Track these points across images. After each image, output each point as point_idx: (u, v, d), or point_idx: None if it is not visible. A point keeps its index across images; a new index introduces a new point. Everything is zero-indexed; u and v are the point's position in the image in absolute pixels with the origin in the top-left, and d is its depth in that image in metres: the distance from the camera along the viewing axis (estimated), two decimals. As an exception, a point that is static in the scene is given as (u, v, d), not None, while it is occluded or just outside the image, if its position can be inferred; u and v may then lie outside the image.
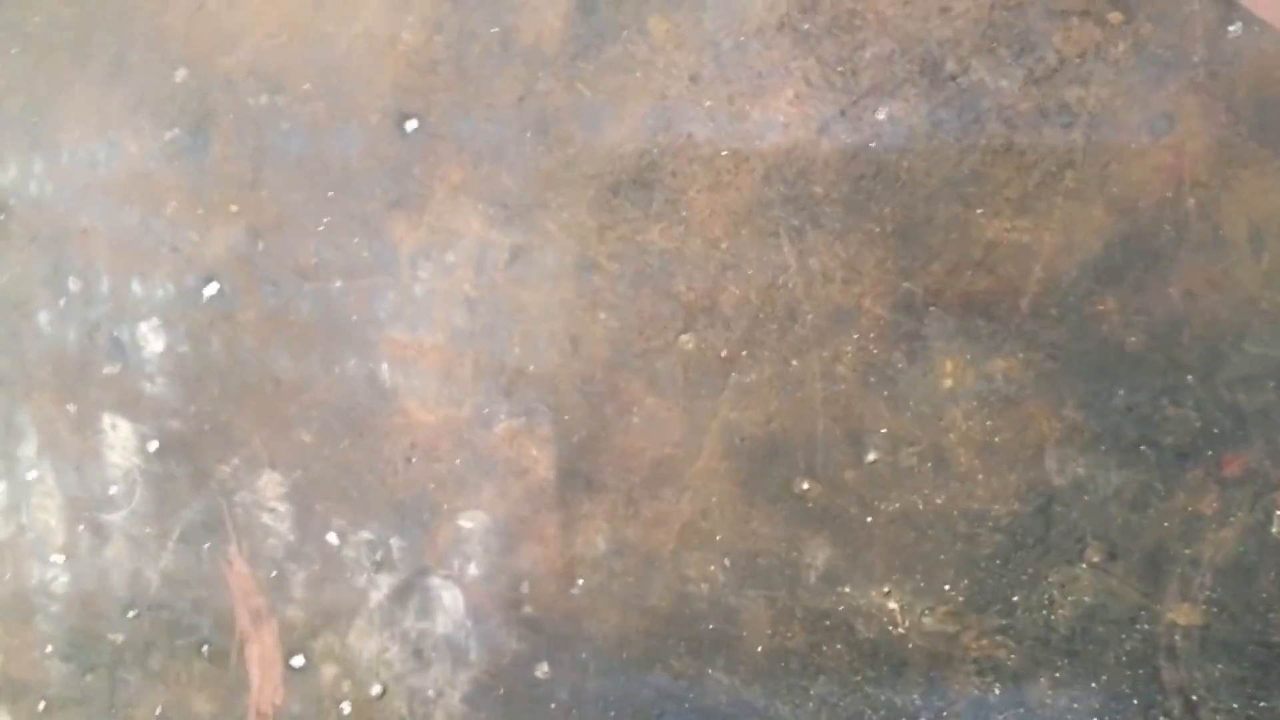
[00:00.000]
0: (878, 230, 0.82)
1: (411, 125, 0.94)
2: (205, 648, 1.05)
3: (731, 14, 0.86)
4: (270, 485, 1.02)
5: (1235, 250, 0.78)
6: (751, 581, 0.88)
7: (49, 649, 1.14)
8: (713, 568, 0.88)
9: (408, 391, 0.92)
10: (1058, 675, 0.82)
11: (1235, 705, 0.84)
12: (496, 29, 0.93)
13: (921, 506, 0.84)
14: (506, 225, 0.86)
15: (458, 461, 0.92)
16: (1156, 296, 0.78)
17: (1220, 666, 0.79)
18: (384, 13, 0.97)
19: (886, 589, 0.85)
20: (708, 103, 0.84)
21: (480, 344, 0.90)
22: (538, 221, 0.88)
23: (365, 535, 0.97)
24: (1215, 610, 0.79)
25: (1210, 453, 0.78)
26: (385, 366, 0.92)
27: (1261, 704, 0.84)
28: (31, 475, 1.13)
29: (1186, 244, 0.78)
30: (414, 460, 0.94)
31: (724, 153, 0.84)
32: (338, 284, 0.97)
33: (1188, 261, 0.78)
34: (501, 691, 0.95)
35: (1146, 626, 0.80)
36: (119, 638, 1.14)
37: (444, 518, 0.93)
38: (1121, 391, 0.79)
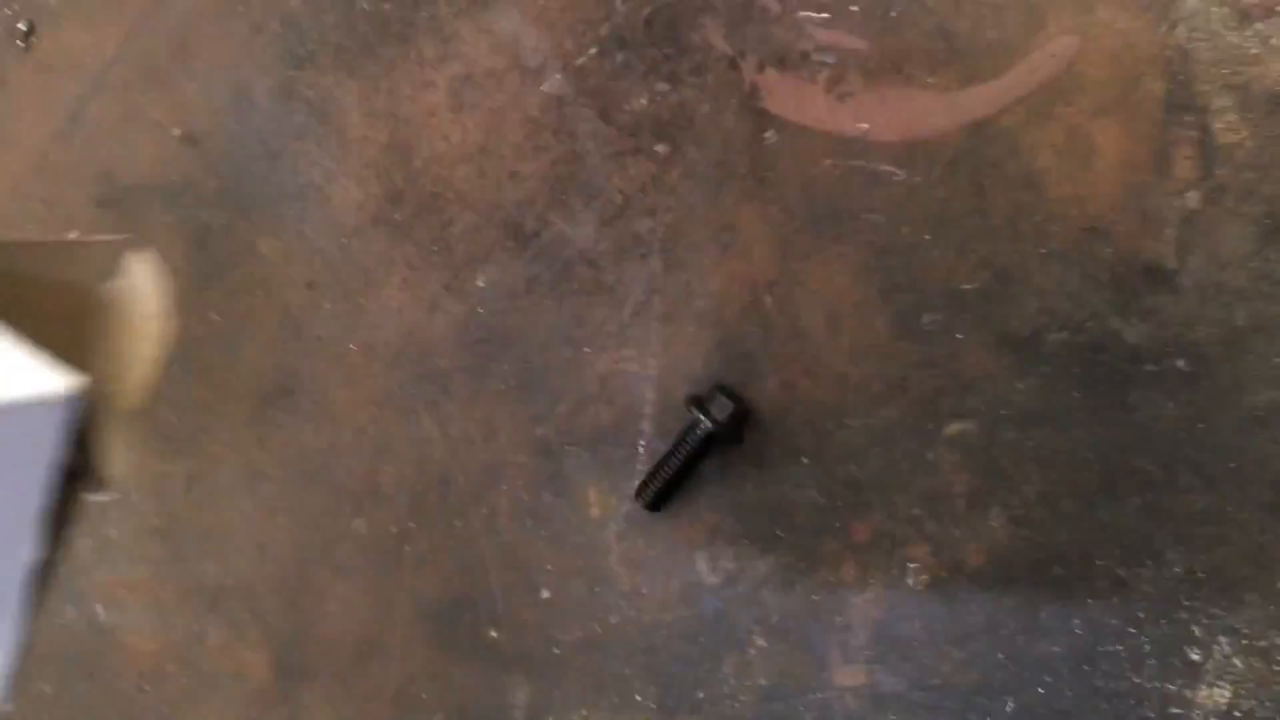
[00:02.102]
0: (503, 387, 0.81)
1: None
2: None
3: (329, 221, 0.81)
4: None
5: (816, 336, 0.76)
6: None
7: None
8: None
9: (125, 627, 0.90)
10: None
11: None
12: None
13: (600, 630, 0.82)
14: (176, 456, 0.90)
15: (184, 680, 0.90)
16: (759, 394, 0.78)
17: (892, 717, 0.79)
18: None
19: (584, 712, 0.83)
20: (327, 305, 0.82)
21: (178, 569, 0.88)
22: (202, 447, 0.86)
23: None
24: (876, 666, 0.78)
25: (839, 525, 0.78)
26: (99, 608, 0.91)
27: None
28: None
29: (773, 340, 0.77)
30: (146, 688, 0.90)
31: (352, 347, 0.83)
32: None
33: (779, 355, 0.77)
34: None
35: (820, 695, 0.79)
36: None
37: None
38: (749, 487, 0.79)
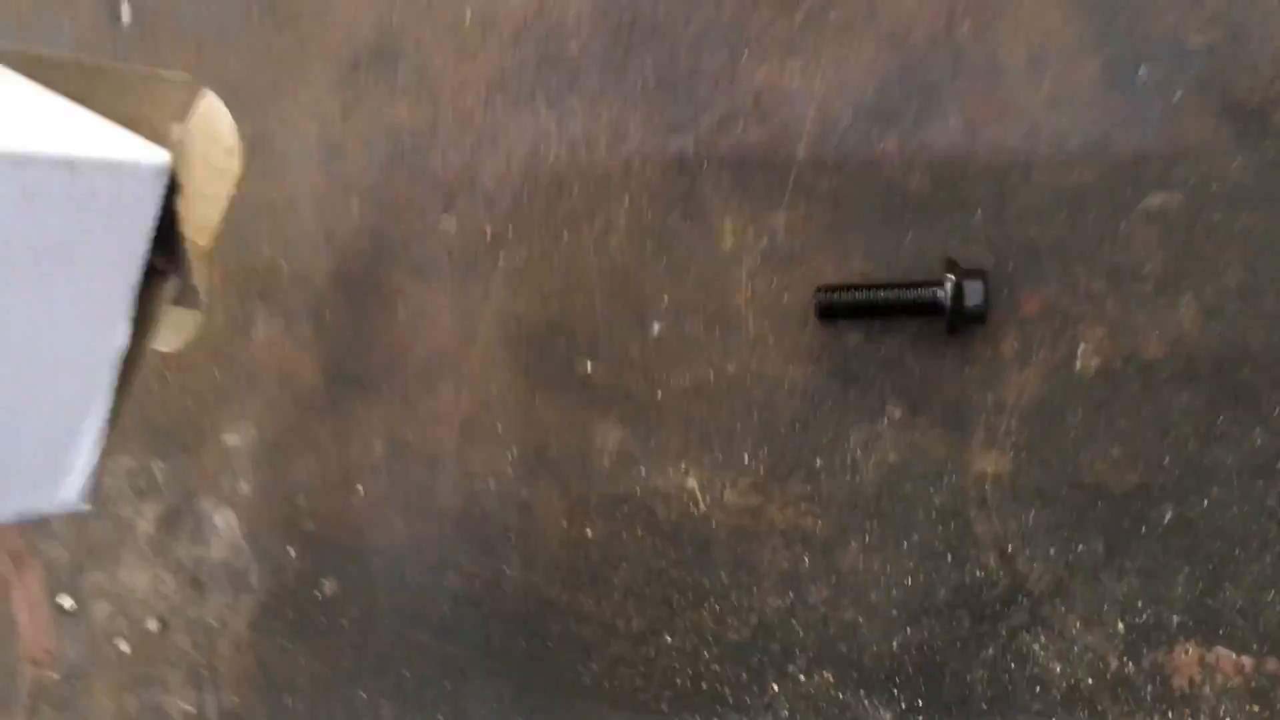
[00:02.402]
0: (640, 86, 0.70)
1: (125, 14, 0.82)
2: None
3: None
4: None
5: (1014, 77, 0.66)
6: (541, 472, 0.77)
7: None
8: (499, 462, 0.77)
9: None
10: (868, 539, 0.73)
11: (1051, 551, 0.77)
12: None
13: (713, 377, 0.73)
14: (241, 114, 0.78)
15: (216, 375, 0.80)
16: (937, 133, 0.68)
17: (1033, 513, 0.70)
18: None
19: (684, 467, 0.75)
20: None
21: (225, 246, 0.77)
22: (275, 108, 0.74)
23: (125, 462, 0.83)
24: (1023, 456, 0.70)
25: (1006, 291, 0.68)
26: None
27: (1079, 547, 0.79)
28: None
29: (963, 74, 0.67)
30: (168, 378, 0.80)
31: (469, 12, 0.71)
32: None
33: (966, 92, 0.67)
34: (290, 615, 0.84)
35: (954, 479, 0.71)
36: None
37: (208, 436, 0.81)
38: (909, 236, 0.69)
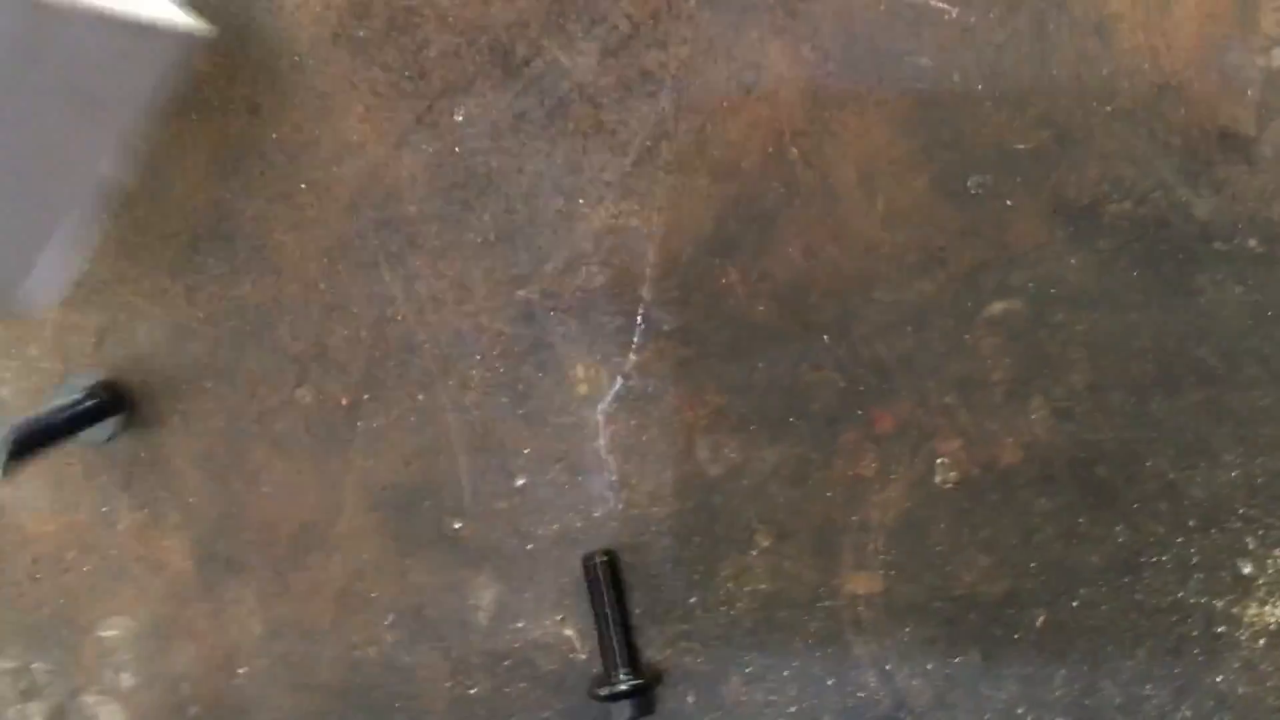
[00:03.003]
0: (480, 240, 0.71)
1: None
2: None
3: (280, 34, 0.70)
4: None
5: (847, 197, 0.67)
6: (421, 635, 0.76)
7: None
8: (378, 629, 0.76)
9: (18, 504, 0.79)
10: (749, 671, 0.73)
11: (929, 666, 0.70)
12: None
13: (581, 524, 0.73)
14: (87, 306, 0.77)
15: (86, 569, 0.78)
16: (777, 259, 0.69)
17: (908, 630, 0.71)
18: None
19: (560, 616, 0.75)
20: (273, 134, 0.71)
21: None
22: (120, 296, 0.74)
23: (5, 665, 0.82)
24: (893, 573, 0.70)
25: (860, 412, 0.69)
26: (-12, 482, 0.75)
27: (957, 659, 0.75)
28: None
29: (798, 199, 0.68)
30: (39, 576, 0.79)
31: (302, 185, 0.71)
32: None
33: (802, 217, 0.68)
34: (182, 801, 0.89)
35: (828, 603, 0.71)
36: None
37: (85, 631, 0.80)
38: (760, 365, 0.70)
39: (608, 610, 0.71)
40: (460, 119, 0.69)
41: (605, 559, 0.72)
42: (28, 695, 0.82)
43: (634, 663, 0.72)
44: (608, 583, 0.72)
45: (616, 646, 0.71)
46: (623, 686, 0.70)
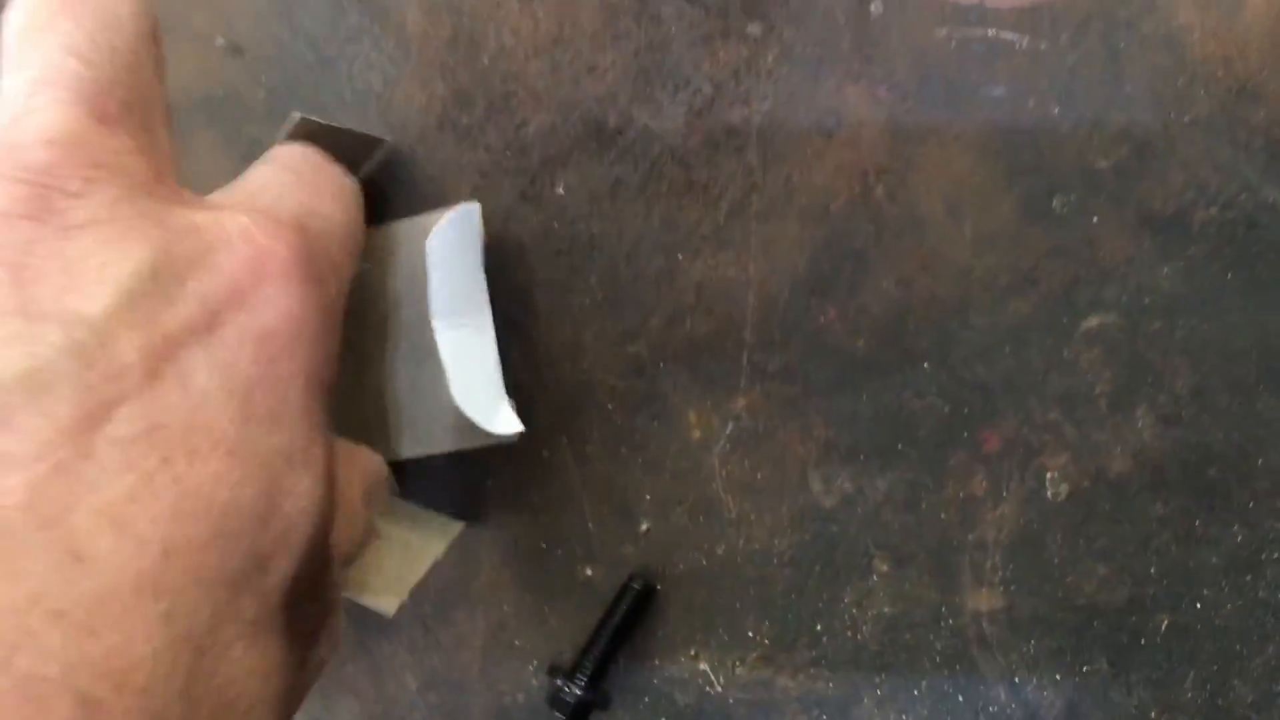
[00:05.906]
0: (588, 301, 0.74)
1: None
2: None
3: (391, 129, 0.80)
4: None
5: (935, 227, 0.69)
6: None
7: None
8: (523, 675, 0.80)
9: None
10: (879, 692, 0.74)
11: (1058, 677, 0.71)
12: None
13: (705, 561, 0.76)
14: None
15: None
16: (872, 294, 0.70)
17: (1033, 642, 0.71)
18: None
19: (693, 651, 0.77)
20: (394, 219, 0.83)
21: None
22: None
23: None
24: (1014, 588, 0.71)
25: (966, 434, 0.71)
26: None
27: (1084, 668, 0.71)
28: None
29: (887, 233, 0.70)
30: None
31: None
32: None
33: (893, 250, 0.70)
34: None
35: (951, 621, 0.72)
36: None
37: None
38: (864, 397, 0.72)
39: (612, 626, 0.76)
40: (561, 190, 0.73)
41: (639, 588, 0.76)
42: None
43: (596, 678, 0.76)
44: (629, 607, 0.75)
45: (593, 659, 0.76)
46: (577, 692, 0.75)
